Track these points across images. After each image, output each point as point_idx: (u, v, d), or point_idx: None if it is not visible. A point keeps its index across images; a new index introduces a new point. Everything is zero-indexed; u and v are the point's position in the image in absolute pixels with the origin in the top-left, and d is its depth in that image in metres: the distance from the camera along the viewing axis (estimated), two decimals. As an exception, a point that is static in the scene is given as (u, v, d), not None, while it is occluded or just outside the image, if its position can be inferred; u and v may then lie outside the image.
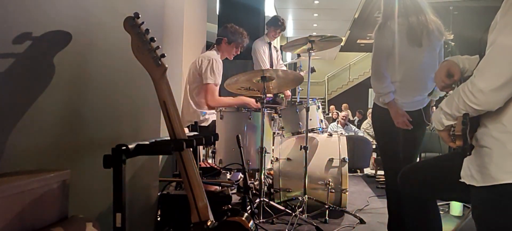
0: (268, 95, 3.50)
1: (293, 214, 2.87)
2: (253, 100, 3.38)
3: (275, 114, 3.51)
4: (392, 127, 2.38)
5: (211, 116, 3.35)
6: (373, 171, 5.98)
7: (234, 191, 3.46)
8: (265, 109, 2.97)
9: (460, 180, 1.33)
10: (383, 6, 2.46)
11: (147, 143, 1.32)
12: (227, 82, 3.00)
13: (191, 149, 1.44)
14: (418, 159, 2.76)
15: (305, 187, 3.11)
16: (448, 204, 3.46)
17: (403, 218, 1.89)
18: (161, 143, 1.41)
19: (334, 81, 19.07)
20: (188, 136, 1.46)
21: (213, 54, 3.35)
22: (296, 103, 3.45)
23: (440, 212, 2.39)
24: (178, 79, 3.27)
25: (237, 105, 3.35)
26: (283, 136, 3.48)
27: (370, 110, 6.39)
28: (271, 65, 4.54)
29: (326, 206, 3.11)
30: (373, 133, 3.92)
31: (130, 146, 1.23)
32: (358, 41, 14.57)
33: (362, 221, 3.06)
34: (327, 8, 10.91)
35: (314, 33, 3.27)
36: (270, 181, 3.54)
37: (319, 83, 18.18)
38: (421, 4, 2.38)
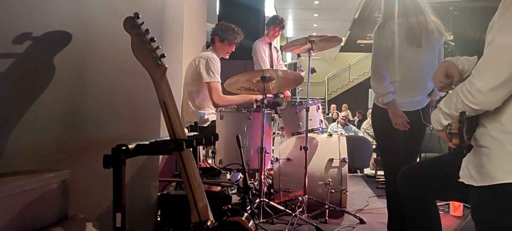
0: (268, 95, 3.49)
1: (293, 214, 2.88)
2: (256, 96, 3.36)
3: (275, 115, 3.51)
4: (392, 127, 2.38)
5: (210, 116, 3.34)
6: (373, 171, 5.98)
7: (234, 191, 3.46)
8: (265, 109, 2.97)
9: (459, 180, 1.33)
10: (383, 7, 2.46)
11: (147, 143, 1.32)
12: (227, 82, 3.00)
13: (191, 149, 1.44)
14: (418, 159, 2.76)
15: (305, 187, 3.11)
16: (448, 204, 3.46)
17: (403, 218, 1.90)
18: (161, 143, 1.41)
19: (334, 82, 19.07)
20: (188, 136, 1.46)
21: (209, 53, 3.33)
22: (296, 103, 3.45)
23: (440, 212, 2.39)
24: (178, 79, 3.27)
25: (243, 102, 3.34)
26: (283, 136, 3.48)
27: (370, 110, 6.39)
28: (272, 65, 4.53)
29: (326, 206, 3.11)
30: (373, 133, 3.92)
31: (130, 146, 1.23)
32: (358, 42, 14.58)
33: (362, 221, 3.06)
34: (327, 8, 10.92)
35: (314, 33, 3.27)
36: (270, 181, 3.54)
37: (319, 84, 18.19)
38: (421, 5, 2.38)
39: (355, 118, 11.76)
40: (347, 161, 3.26)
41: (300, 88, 4.61)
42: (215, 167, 2.70)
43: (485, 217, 1.28)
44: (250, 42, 4.69)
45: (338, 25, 12.55)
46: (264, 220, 2.90)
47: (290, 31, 13.89)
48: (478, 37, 1.32)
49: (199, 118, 3.30)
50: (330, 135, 3.49)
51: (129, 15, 1.35)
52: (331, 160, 3.27)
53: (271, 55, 4.56)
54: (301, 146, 3.14)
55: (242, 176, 2.81)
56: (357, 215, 3.16)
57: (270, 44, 4.59)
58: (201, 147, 3.27)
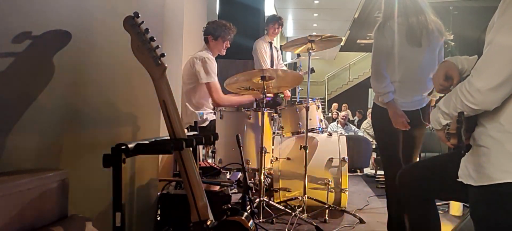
0: (268, 95, 3.50)
1: (293, 213, 2.88)
2: (256, 93, 3.35)
3: (275, 114, 3.51)
4: (392, 126, 2.39)
5: (208, 116, 3.34)
6: (373, 171, 5.98)
7: (234, 190, 3.46)
8: (265, 109, 2.97)
9: (458, 179, 1.33)
10: (383, 6, 2.46)
11: (147, 142, 1.33)
12: (227, 82, 3.00)
13: (191, 149, 1.44)
14: (417, 159, 2.76)
15: (305, 186, 3.11)
16: (448, 204, 3.46)
17: (403, 218, 1.90)
18: (160, 142, 1.41)
19: (334, 81, 19.07)
20: (187, 136, 1.46)
21: (204, 53, 3.33)
22: (296, 103, 3.45)
23: (440, 212, 2.39)
24: (178, 78, 3.27)
25: (245, 102, 3.34)
26: (283, 135, 3.48)
27: (370, 110, 6.40)
28: (272, 65, 4.53)
29: (326, 206, 3.11)
30: (373, 132, 3.92)
31: (129, 145, 1.23)
32: (358, 41, 14.57)
33: (361, 221, 3.06)
34: (327, 8, 10.91)
35: (314, 33, 3.26)
36: (270, 180, 3.54)
37: (319, 83, 18.18)
38: (421, 4, 2.38)
39: (355, 117, 11.76)
40: (347, 160, 3.26)
41: (300, 88, 4.61)
42: (215, 166, 2.71)
43: (484, 216, 1.28)
44: (250, 42, 4.69)
45: (338, 24, 12.55)
46: (264, 220, 2.90)
47: (290, 31, 13.89)
48: (477, 37, 1.32)
49: (198, 118, 3.30)
50: (330, 135, 3.49)
51: (129, 14, 1.35)
52: (331, 160, 3.27)
53: (272, 55, 4.56)
54: (301, 146, 3.14)
55: (241, 175, 2.81)
56: (357, 214, 3.16)
57: (270, 43, 4.59)
58: (201, 147, 3.27)
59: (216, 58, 3.50)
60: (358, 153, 5.73)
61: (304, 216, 2.95)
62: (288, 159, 3.33)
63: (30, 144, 1.23)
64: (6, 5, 1.14)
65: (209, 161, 3.21)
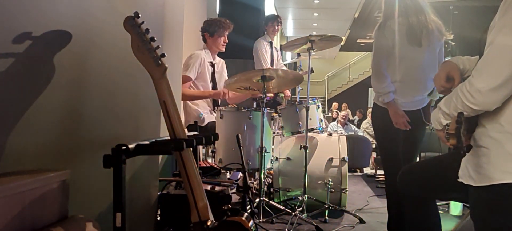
0: (269, 95, 3.49)
1: (293, 213, 2.88)
2: (220, 91, 3.34)
3: (275, 114, 3.51)
4: (392, 126, 2.39)
5: (207, 116, 3.34)
6: (373, 171, 5.99)
7: (234, 190, 3.46)
8: (265, 109, 2.97)
9: (458, 179, 1.33)
10: (383, 6, 2.46)
11: (147, 142, 1.32)
12: (227, 82, 3.00)
13: (191, 149, 1.44)
14: (418, 159, 2.76)
15: (305, 186, 3.11)
16: (448, 204, 3.46)
17: (403, 217, 1.90)
18: (161, 143, 1.41)
19: (334, 81, 19.07)
20: (188, 136, 1.46)
21: (196, 51, 3.37)
22: (296, 103, 3.45)
23: (440, 212, 2.39)
24: (178, 79, 3.26)
25: (206, 97, 3.34)
26: (283, 135, 3.48)
27: (370, 109, 6.39)
28: (272, 65, 4.53)
29: (326, 206, 3.11)
30: (373, 132, 3.92)
31: (130, 146, 1.23)
32: (358, 41, 14.57)
33: (361, 221, 3.07)
34: (327, 7, 10.91)
35: (314, 33, 3.27)
36: (270, 180, 3.54)
37: (319, 83, 18.18)
38: (421, 4, 2.38)
39: (355, 117, 11.76)
40: (347, 160, 3.26)
41: (300, 88, 4.61)
42: (215, 166, 2.71)
43: (484, 217, 1.28)
44: (250, 42, 4.69)
45: (338, 24, 12.54)
46: (264, 220, 2.90)
47: (290, 30, 13.89)
48: (478, 37, 1.32)
49: (198, 117, 3.31)
50: (330, 134, 3.50)
51: (129, 14, 1.35)
52: (331, 159, 3.27)
53: (272, 55, 4.56)
54: (301, 145, 3.14)
55: (242, 175, 2.81)
56: (357, 214, 3.16)
57: (271, 43, 4.59)
58: (201, 146, 3.27)
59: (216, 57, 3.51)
60: (358, 153, 5.74)
61: (304, 216, 2.95)
62: (288, 158, 3.33)
63: (30, 145, 1.23)
64: (7, 5, 1.13)
65: (209, 160, 3.21)
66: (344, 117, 7.69)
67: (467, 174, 1.30)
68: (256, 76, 2.91)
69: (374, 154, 6.32)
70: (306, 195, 3.07)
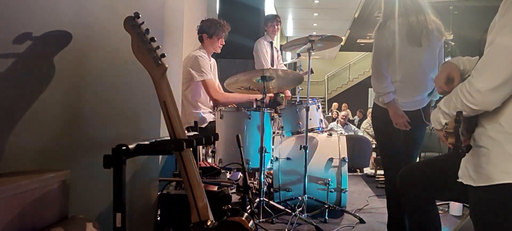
0: (269, 95, 3.49)
1: (293, 213, 2.88)
2: (257, 96, 3.36)
3: (275, 114, 3.50)
4: (392, 126, 2.39)
5: (207, 116, 3.34)
6: (373, 171, 5.99)
7: (234, 190, 3.46)
8: (265, 109, 2.97)
9: (458, 180, 1.33)
10: (383, 6, 2.46)
11: (147, 143, 1.32)
12: (227, 82, 3.00)
13: (191, 149, 1.44)
14: (418, 159, 2.76)
15: (305, 186, 3.11)
16: (448, 204, 3.47)
17: (403, 217, 1.90)
18: (161, 143, 1.40)
19: (334, 81, 19.07)
20: (188, 136, 1.46)
21: (197, 52, 3.33)
22: (296, 103, 3.45)
23: (440, 212, 2.39)
24: (178, 79, 3.27)
25: (243, 100, 3.35)
26: (283, 135, 3.48)
27: (370, 110, 6.39)
28: (272, 65, 4.54)
29: (326, 206, 3.11)
30: (373, 132, 3.92)
31: (130, 146, 1.23)
32: (358, 41, 14.58)
33: (361, 221, 3.07)
34: (327, 7, 10.91)
35: (314, 33, 3.26)
36: (270, 180, 3.54)
37: (319, 83, 18.19)
38: (421, 4, 2.38)
39: (356, 117, 11.76)
40: (346, 160, 3.26)
41: (300, 88, 4.61)
42: (215, 166, 2.70)
43: (484, 217, 1.28)
44: (250, 42, 4.68)
45: (338, 24, 12.55)
46: (264, 220, 2.90)
47: (290, 30, 13.89)
48: (478, 37, 1.32)
49: (198, 117, 3.30)
50: (330, 135, 3.50)
51: (129, 14, 1.35)
52: (330, 160, 3.27)
53: (272, 55, 4.56)
54: (301, 146, 3.14)
55: (241, 175, 2.81)
56: (357, 214, 3.16)
57: (271, 43, 4.59)
58: (200, 146, 3.27)
59: (216, 58, 3.50)
60: (358, 153, 5.73)
61: (304, 216, 2.95)
62: (288, 159, 3.33)
63: (30, 145, 1.23)
64: (7, 5, 1.14)
65: (209, 160, 3.21)
66: (344, 117, 7.69)
67: (467, 174, 1.30)
68: (256, 76, 2.91)
69: (374, 154, 6.32)
70: (306, 195, 3.07)
